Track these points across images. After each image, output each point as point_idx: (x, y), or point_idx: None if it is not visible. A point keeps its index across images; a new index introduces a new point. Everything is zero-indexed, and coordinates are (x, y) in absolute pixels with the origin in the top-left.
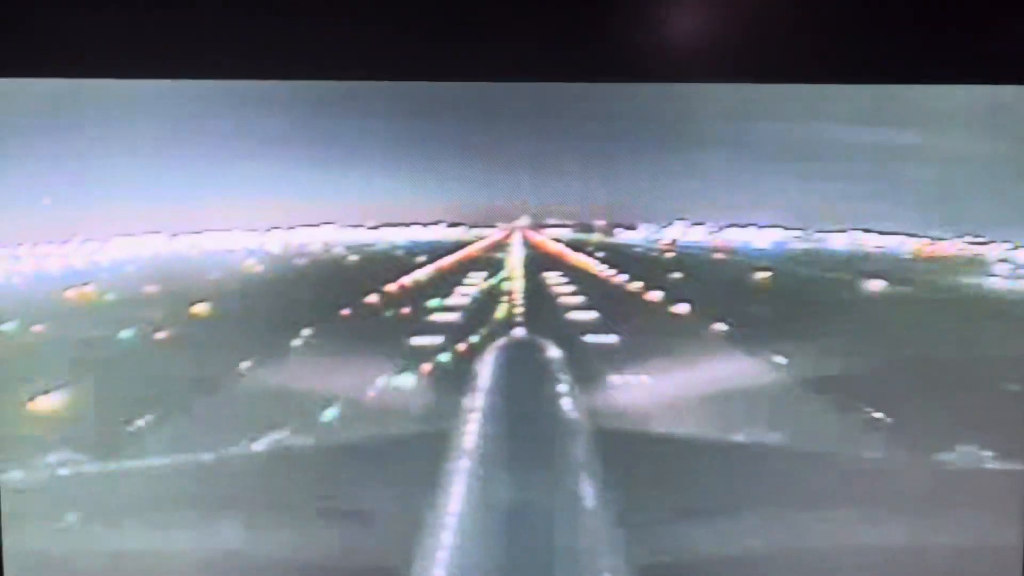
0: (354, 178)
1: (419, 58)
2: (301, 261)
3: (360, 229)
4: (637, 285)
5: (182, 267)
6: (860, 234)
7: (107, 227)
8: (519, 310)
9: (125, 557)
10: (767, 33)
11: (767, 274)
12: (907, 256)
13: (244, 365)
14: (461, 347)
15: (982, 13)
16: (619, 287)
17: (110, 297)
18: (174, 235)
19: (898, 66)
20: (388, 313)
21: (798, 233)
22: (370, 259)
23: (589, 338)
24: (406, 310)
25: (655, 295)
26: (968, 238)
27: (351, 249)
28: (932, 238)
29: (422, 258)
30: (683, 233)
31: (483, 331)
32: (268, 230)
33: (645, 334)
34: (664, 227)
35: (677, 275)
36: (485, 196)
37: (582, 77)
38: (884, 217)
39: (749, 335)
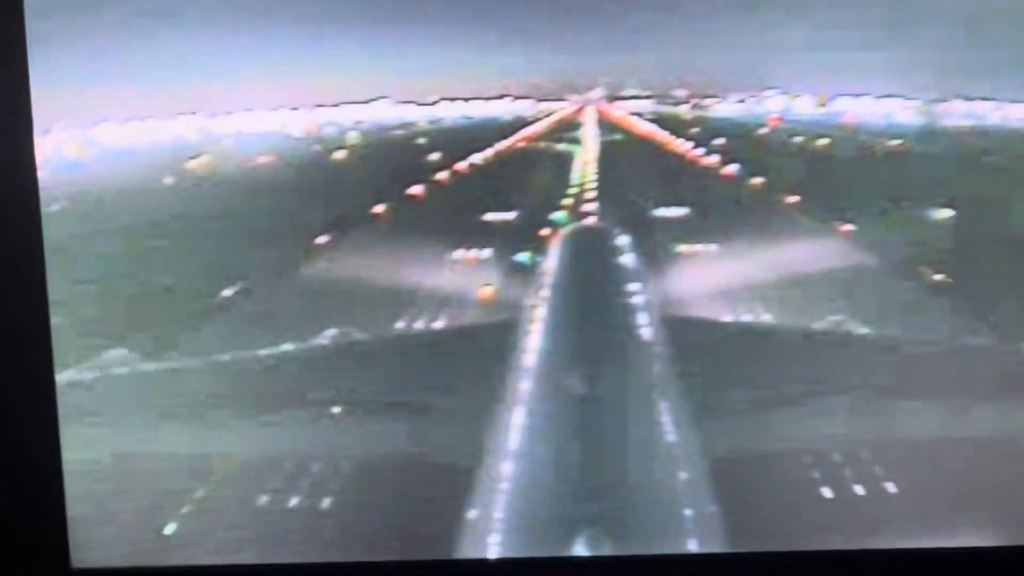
0: (409, 49)
1: None
2: (355, 140)
3: (413, 106)
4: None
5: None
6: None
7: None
8: (591, 195)
9: (189, 457)
10: None
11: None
12: None
13: (319, 240)
14: (531, 233)
15: None
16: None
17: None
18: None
19: None
20: (454, 196)
21: (915, 103)
22: (431, 137)
23: (675, 238)
24: (471, 196)
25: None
26: None
27: (406, 126)
28: None
29: (484, 136)
30: (784, 106)
31: (554, 217)
32: (313, 108)
33: (743, 234)
34: (760, 98)
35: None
36: (554, 66)
37: None
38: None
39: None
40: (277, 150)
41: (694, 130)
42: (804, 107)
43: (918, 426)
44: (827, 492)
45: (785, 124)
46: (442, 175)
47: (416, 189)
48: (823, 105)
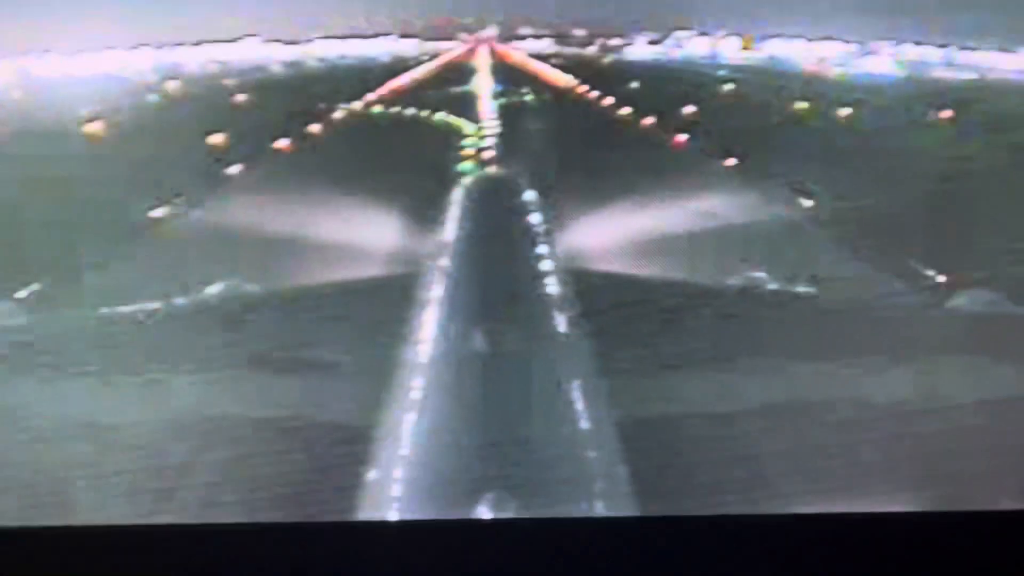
0: None
1: None
2: (227, 82)
3: (286, 44)
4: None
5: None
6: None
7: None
8: (488, 142)
9: (74, 417)
10: None
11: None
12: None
13: (178, 200)
14: (424, 182)
15: None
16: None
17: None
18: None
19: None
20: (336, 145)
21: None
22: (306, 79)
23: (570, 175)
24: (357, 141)
25: (650, 122)
26: None
27: (284, 66)
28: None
29: (368, 78)
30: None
31: (448, 165)
32: (178, 46)
33: (639, 169)
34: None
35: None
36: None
37: None
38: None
39: (763, 171)
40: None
41: (604, 75)
42: (729, 50)
43: (828, 388)
44: (734, 455)
45: (709, 68)
46: (331, 119)
47: (313, 128)
48: (747, 48)
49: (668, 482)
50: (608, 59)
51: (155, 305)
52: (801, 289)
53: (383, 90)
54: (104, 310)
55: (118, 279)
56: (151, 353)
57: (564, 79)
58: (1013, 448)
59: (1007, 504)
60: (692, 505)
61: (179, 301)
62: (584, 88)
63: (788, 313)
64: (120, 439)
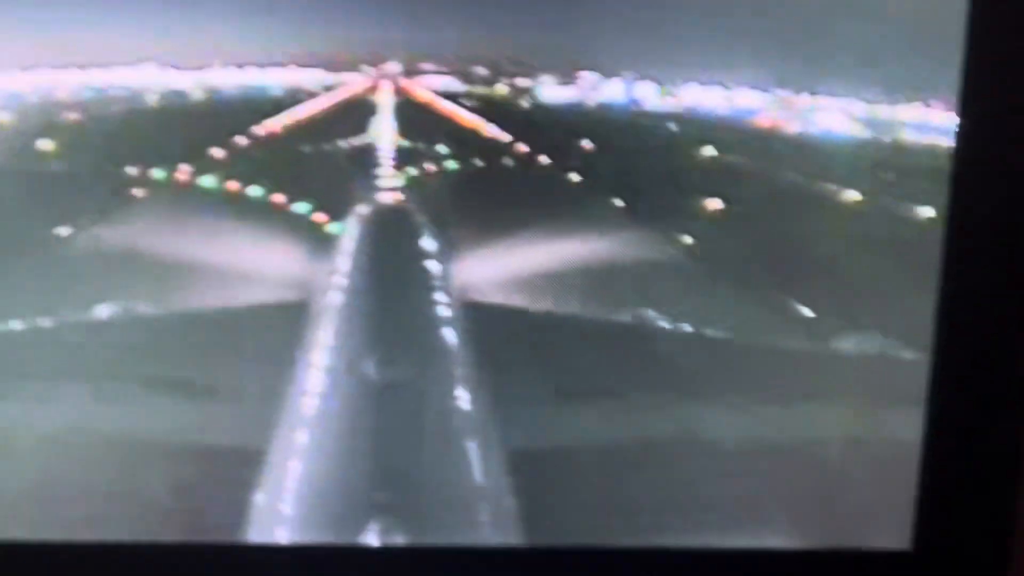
0: (177, 9)
1: None
2: (118, 108)
3: (186, 72)
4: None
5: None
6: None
7: None
8: (387, 172)
9: None
10: None
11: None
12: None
13: (81, 221)
14: (321, 213)
15: None
16: (507, 151)
17: None
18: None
19: None
20: (236, 171)
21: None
22: (205, 107)
23: (465, 208)
24: (254, 169)
25: (546, 161)
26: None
27: (180, 94)
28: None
29: (268, 108)
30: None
31: (346, 194)
32: (68, 67)
33: (534, 205)
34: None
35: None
36: (347, 34)
37: None
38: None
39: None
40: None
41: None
42: (646, 94)
43: (720, 427)
44: (626, 488)
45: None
46: (235, 143)
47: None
48: (665, 94)
49: (555, 512)
50: (525, 102)
51: (45, 320)
52: (687, 327)
53: (276, 124)
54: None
55: (10, 293)
56: (38, 366)
57: (478, 123)
58: (890, 489)
59: (882, 543)
60: (578, 536)
61: (70, 318)
62: (504, 136)
63: (675, 349)
64: (2, 450)
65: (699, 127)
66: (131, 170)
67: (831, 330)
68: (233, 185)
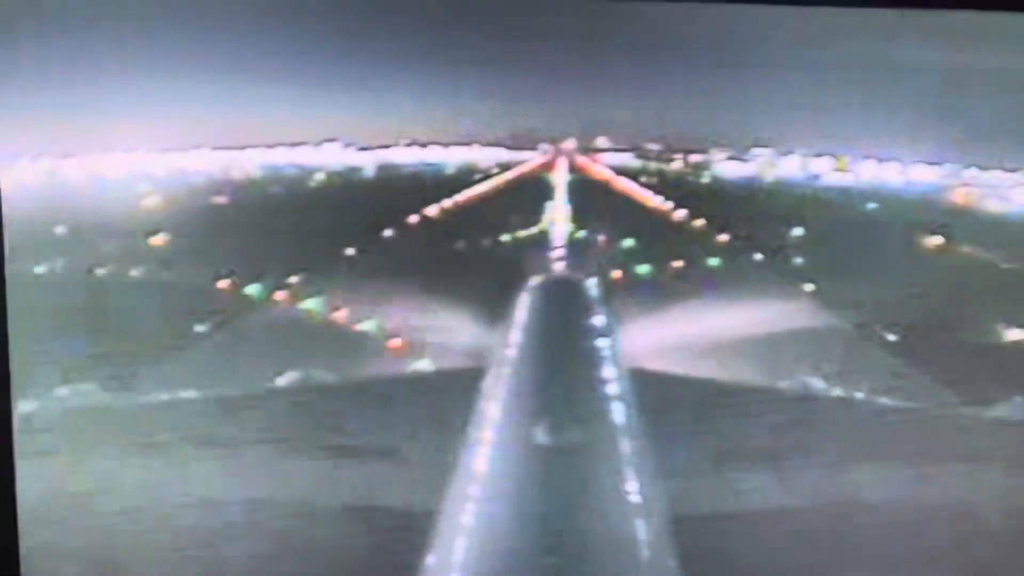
0: (364, 91)
1: None
2: (317, 182)
3: (374, 150)
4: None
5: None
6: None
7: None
8: (561, 247)
9: (141, 497)
10: None
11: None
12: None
13: (290, 280)
14: (499, 283)
15: None
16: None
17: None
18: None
19: None
20: (418, 246)
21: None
22: (390, 183)
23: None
24: (438, 243)
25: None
26: None
27: (378, 169)
28: None
29: (450, 184)
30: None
31: (522, 266)
32: (245, 148)
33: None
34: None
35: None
36: (525, 113)
37: None
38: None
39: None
40: (232, 190)
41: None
42: (822, 169)
43: (885, 491)
44: (790, 554)
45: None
46: (414, 218)
47: (388, 232)
48: (841, 169)
49: None
50: (703, 177)
51: (231, 391)
52: (856, 394)
53: (449, 203)
54: (183, 394)
55: (189, 367)
56: (222, 434)
57: (657, 202)
58: None
59: None
60: None
61: (253, 388)
62: (679, 212)
63: (841, 416)
64: (186, 520)
65: (895, 204)
66: (325, 244)
67: (989, 398)
68: (411, 259)
